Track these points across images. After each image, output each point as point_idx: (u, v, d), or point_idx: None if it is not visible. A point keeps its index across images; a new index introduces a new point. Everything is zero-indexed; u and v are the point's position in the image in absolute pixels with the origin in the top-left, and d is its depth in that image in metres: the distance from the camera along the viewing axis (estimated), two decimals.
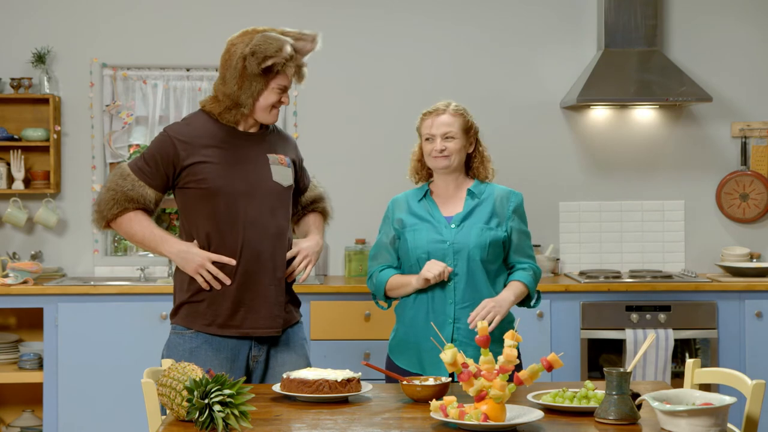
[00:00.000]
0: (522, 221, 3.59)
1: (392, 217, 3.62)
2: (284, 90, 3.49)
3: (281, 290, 3.52)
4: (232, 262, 3.43)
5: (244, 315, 3.46)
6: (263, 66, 3.39)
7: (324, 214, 3.81)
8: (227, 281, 3.43)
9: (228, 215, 3.44)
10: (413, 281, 3.48)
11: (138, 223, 3.49)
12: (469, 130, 3.56)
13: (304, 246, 3.58)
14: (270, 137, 3.59)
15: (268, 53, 3.38)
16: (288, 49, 3.40)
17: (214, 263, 3.44)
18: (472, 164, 3.61)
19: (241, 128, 3.53)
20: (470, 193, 3.56)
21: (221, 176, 3.44)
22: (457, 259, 3.47)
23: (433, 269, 3.41)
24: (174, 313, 3.54)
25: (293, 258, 3.57)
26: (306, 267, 3.57)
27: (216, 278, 3.43)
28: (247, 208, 3.45)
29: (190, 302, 3.49)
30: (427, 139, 3.54)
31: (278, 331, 3.51)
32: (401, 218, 3.57)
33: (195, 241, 3.49)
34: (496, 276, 3.54)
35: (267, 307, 3.47)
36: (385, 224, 3.65)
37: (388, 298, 3.62)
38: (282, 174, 3.54)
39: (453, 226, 3.51)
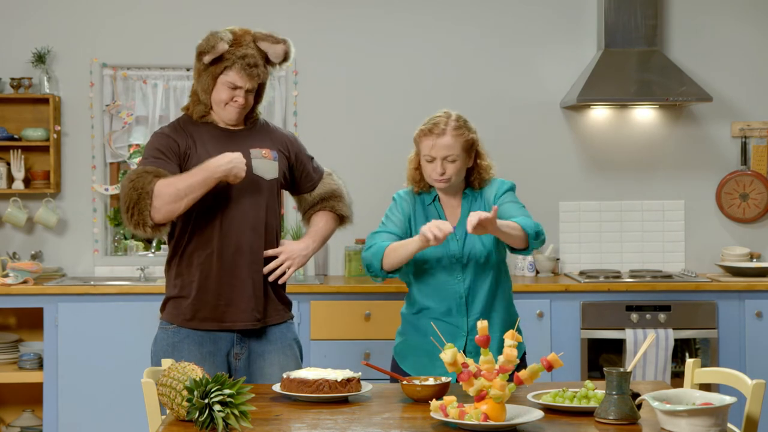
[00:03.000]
0: (504, 197, 3.48)
1: (402, 208, 3.54)
2: (234, 88, 3.48)
3: (260, 284, 3.53)
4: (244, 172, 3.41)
5: (224, 308, 3.50)
6: (204, 61, 3.46)
7: (336, 214, 3.77)
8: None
9: (205, 208, 3.47)
10: (414, 241, 3.34)
11: (169, 180, 3.37)
12: (470, 148, 3.47)
13: (288, 248, 3.59)
14: (257, 133, 3.63)
15: (202, 49, 3.46)
16: (222, 46, 3.44)
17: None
18: (470, 177, 3.54)
19: (221, 124, 3.57)
20: (465, 197, 3.53)
21: None
22: (467, 272, 3.46)
23: (434, 230, 3.25)
24: (162, 308, 3.60)
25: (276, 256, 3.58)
26: (288, 268, 3.57)
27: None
28: (224, 201, 3.48)
29: (176, 297, 3.54)
30: (427, 160, 3.45)
31: (255, 325, 3.52)
32: (411, 224, 3.52)
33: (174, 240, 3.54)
34: (499, 276, 3.52)
35: (245, 300, 3.50)
36: (394, 212, 3.55)
37: (385, 271, 3.45)
38: (265, 167, 3.55)
39: (457, 239, 3.46)
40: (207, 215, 3.48)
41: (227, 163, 3.39)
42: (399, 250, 3.40)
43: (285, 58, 3.56)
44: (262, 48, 3.52)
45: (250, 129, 3.61)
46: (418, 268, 3.50)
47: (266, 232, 3.55)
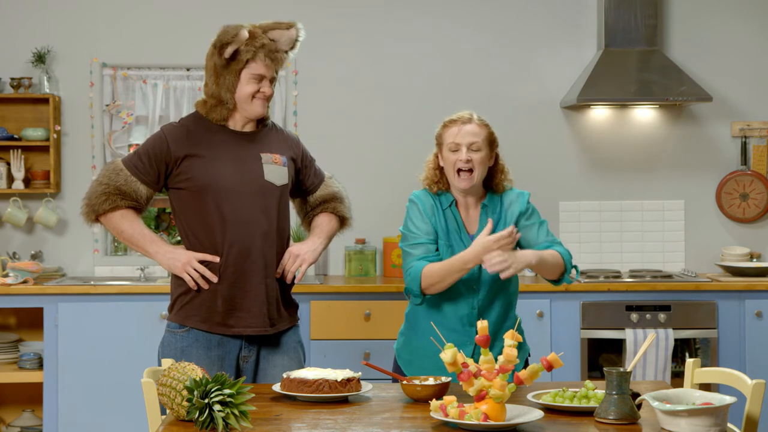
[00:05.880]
0: (531, 217, 3.51)
1: (425, 211, 3.47)
2: (260, 79, 3.49)
3: (273, 290, 3.52)
4: (216, 259, 3.45)
5: (235, 313, 3.48)
6: (225, 55, 3.43)
7: (338, 215, 3.75)
8: (214, 279, 3.45)
9: (216, 213, 3.46)
10: (466, 262, 3.31)
11: (128, 221, 3.51)
12: (492, 143, 3.49)
13: (296, 249, 3.57)
14: (267, 136, 3.60)
15: (225, 39, 3.43)
16: (244, 33, 3.43)
17: (201, 262, 3.45)
18: (492, 177, 3.53)
19: (232, 127, 3.55)
20: (483, 207, 3.50)
21: (209, 174, 3.46)
22: (483, 283, 3.44)
23: (494, 262, 3.24)
24: (170, 309, 3.58)
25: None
26: (300, 266, 3.56)
27: (203, 277, 3.45)
28: (236, 206, 3.46)
29: (185, 299, 3.51)
30: (451, 149, 3.44)
31: (267, 331, 3.51)
32: (436, 229, 3.46)
33: (182, 245, 3.53)
34: (510, 287, 3.52)
35: (257, 306, 3.48)
36: (414, 213, 3.48)
37: (425, 294, 3.41)
38: (275, 173, 3.54)
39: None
40: (218, 220, 3.46)
41: (176, 261, 3.45)
42: (451, 273, 3.35)
43: (294, 44, 3.58)
44: (274, 37, 3.52)
45: (261, 132, 3.59)
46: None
47: (278, 238, 3.54)
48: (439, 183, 3.53)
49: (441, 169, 3.53)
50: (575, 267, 3.51)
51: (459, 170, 3.44)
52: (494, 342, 3.45)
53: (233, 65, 3.46)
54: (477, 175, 3.45)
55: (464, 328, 3.45)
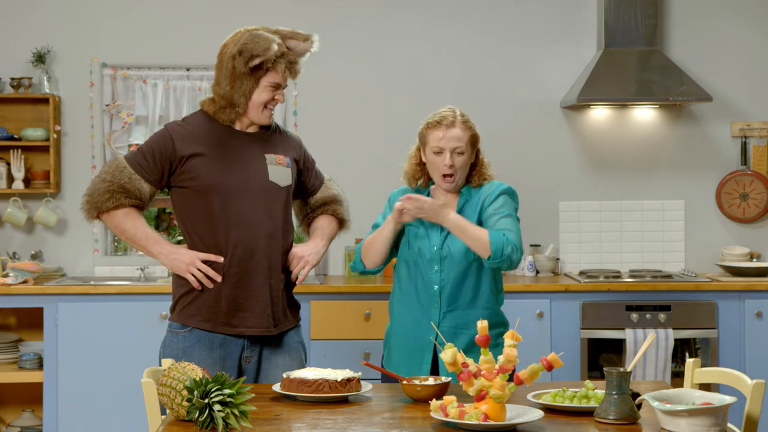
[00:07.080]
0: (501, 204, 3.46)
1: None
2: (277, 87, 3.50)
3: (277, 290, 3.52)
4: (220, 259, 3.45)
5: (238, 314, 3.47)
6: (251, 65, 3.43)
7: (337, 218, 3.77)
8: (218, 278, 3.45)
9: (221, 213, 3.45)
10: (387, 222, 3.48)
11: (131, 219, 3.50)
12: (475, 143, 3.52)
13: (299, 250, 3.58)
14: (271, 137, 3.60)
15: (255, 52, 3.42)
16: (275, 47, 3.43)
17: (205, 262, 3.45)
18: (471, 174, 3.55)
19: (238, 127, 3.54)
20: (461, 195, 3.53)
21: (214, 174, 3.46)
22: (444, 264, 3.46)
23: (402, 200, 3.40)
24: (172, 309, 3.57)
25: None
26: (303, 268, 3.57)
27: (207, 276, 3.44)
28: (240, 207, 3.46)
29: (187, 299, 3.51)
30: (435, 152, 3.48)
31: (270, 331, 3.51)
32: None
33: (185, 244, 3.53)
34: (481, 273, 3.52)
35: (260, 306, 3.48)
36: (386, 211, 3.63)
37: (365, 265, 3.59)
38: (279, 174, 3.54)
39: (442, 231, 3.48)
40: (222, 221, 3.45)
41: (179, 261, 3.45)
42: (375, 238, 3.53)
43: (305, 54, 3.59)
44: (291, 46, 3.52)
45: (265, 133, 3.59)
46: (402, 259, 3.54)
47: (282, 238, 3.54)
48: (420, 179, 3.60)
49: (423, 165, 3.58)
50: (510, 257, 3.36)
51: (444, 174, 3.48)
52: (463, 328, 3.46)
53: (255, 72, 3.46)
54: (459, 177, 3.50)
55: (425, 309, 3.46)
